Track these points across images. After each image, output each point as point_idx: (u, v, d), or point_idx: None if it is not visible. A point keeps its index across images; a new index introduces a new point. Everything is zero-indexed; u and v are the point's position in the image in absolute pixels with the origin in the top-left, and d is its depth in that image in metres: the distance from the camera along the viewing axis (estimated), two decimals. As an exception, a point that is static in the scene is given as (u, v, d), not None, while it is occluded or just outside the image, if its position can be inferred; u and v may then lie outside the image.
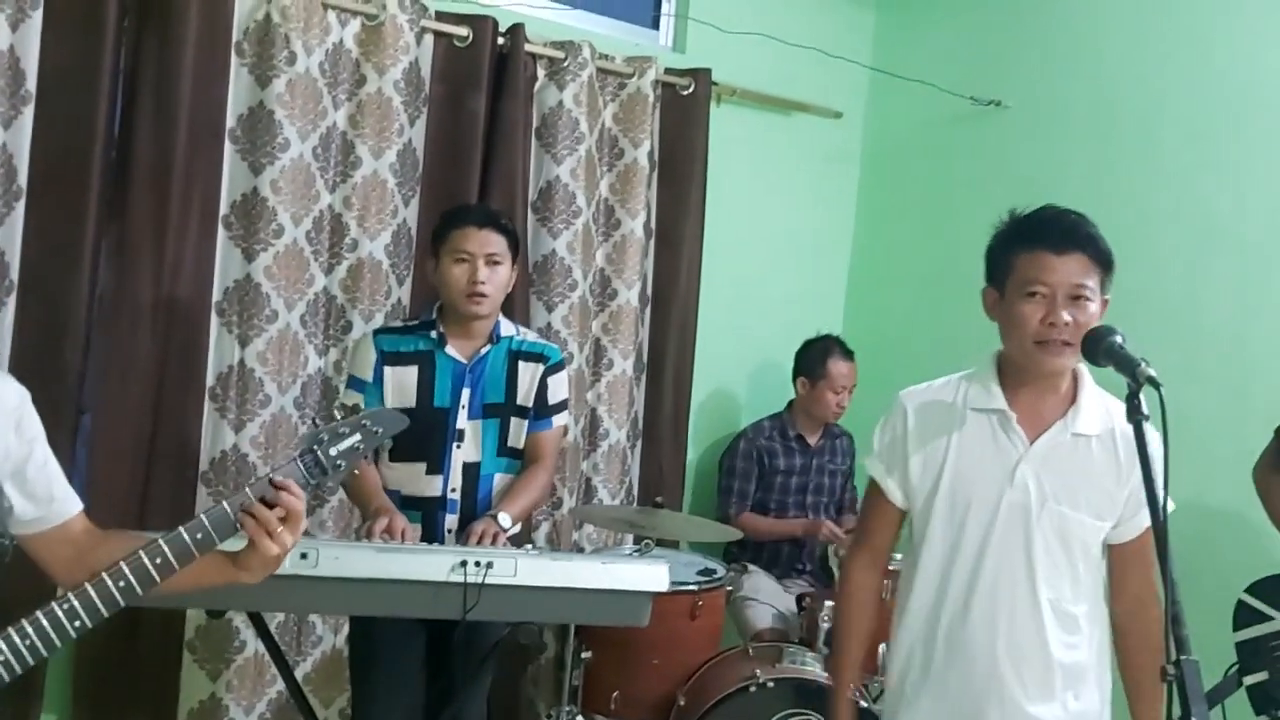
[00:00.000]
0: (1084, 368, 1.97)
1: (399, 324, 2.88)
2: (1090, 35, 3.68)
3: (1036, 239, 1.92)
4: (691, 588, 3.21)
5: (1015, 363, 1.97)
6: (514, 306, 3.34)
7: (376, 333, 2.75)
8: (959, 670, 1.99)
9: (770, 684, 2.94)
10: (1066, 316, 1.86)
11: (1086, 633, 1.99)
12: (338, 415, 1.70)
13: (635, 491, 3.80)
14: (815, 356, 3.82)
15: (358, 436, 1.69)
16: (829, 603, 3.14)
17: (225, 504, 1.60)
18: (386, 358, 2.67)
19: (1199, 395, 3.29)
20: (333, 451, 1.66)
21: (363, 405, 2.64)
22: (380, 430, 1.72)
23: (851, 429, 4.04)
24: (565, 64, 3.46)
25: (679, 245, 3.80)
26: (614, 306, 3.68)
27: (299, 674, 3.22)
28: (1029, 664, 1.96)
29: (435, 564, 2.19)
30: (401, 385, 2.67)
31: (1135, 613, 1.98)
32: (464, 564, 2.18)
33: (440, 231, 2.69)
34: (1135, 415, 1.59)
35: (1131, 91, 3.54)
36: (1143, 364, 1.61)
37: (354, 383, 2.70)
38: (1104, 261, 1.91)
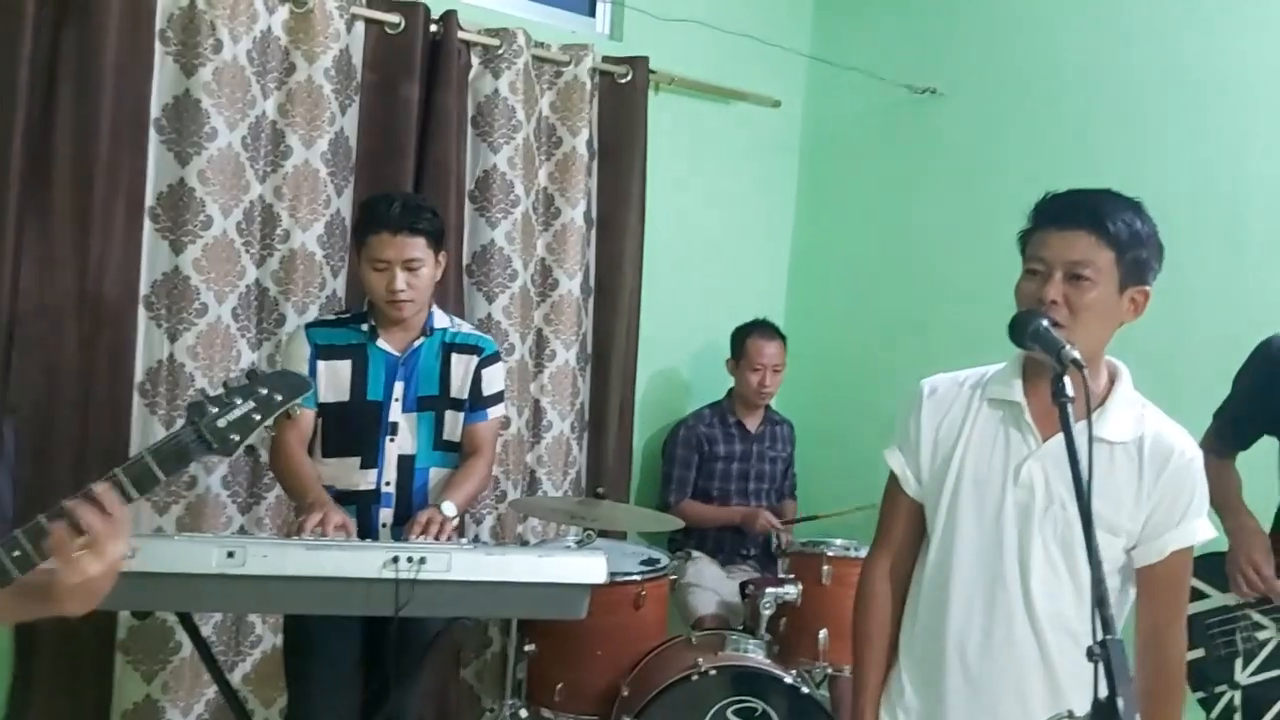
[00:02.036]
0: (1125, 370, 1.90)
1: (331, 317, 2.83)
2: (1023, 22, 3.71)
3: (1046, 214, 1.81)
4: (635, 578, 3.20)
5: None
6: (449, 298, 3.31)
7: (309, 326, 2.71)
8: (953, 682, 1.88)
9: (712, 672, 2.94)
10: (1054, 294, 1.74)
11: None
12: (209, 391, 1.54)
13: (583, 482, 3.78)
14: (738, 337, 3.86)
15: (251, 404, 1.51)
16: (770, 589, 3.15)
17: (41, 518, 1.40)
18: (320, 351, 2.64)
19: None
20: (221, 423, 1.49)
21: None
22: (280, 397, 1.54)
23: (791, 415, 4.06)
24: (500, 51, 3.42)
25: (620, 234, 3.78)
26: (555, 296, 3.65)
27: (237, 674, 3.18)
28: (1029, 681, 1.84)
29: (367, 560, 2.15)
30: (335, 379, 2.64)
31: (1147, 646, 1.83)
32: (396, 560, 2.14)
33: (358, 231, 2.64)
34: (1060, 398, 1.57)
35: (1064, 78, 3.58)
36: (1067, 347, 1.61)
37: None
38: (1115, 243, 1.74)
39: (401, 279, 2.55)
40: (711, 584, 3.59)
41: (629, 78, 3.73)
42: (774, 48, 4.06)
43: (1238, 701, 2.39)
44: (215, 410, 1.51)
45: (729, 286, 4.20)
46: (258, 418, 1.53)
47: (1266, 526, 2.45)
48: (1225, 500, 2.48)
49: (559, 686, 3.17)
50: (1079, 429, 1.55)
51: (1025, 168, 3.61)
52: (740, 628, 3.34)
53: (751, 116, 4.23)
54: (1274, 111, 3.12)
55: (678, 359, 4.18)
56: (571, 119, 3.61)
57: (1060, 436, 1.73)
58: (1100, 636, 1.38)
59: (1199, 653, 2.45)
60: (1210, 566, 2.46)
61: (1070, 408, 1.57)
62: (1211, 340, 3.18)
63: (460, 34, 3.36)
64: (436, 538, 2.45)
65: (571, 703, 3.18)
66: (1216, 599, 2.45)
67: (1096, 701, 1.37)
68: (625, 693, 3.09)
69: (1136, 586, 1.86)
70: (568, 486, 3.72)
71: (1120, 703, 1.34)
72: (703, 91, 4.05)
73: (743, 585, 3.52)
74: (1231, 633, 2.41)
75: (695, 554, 3.76)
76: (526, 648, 3.14)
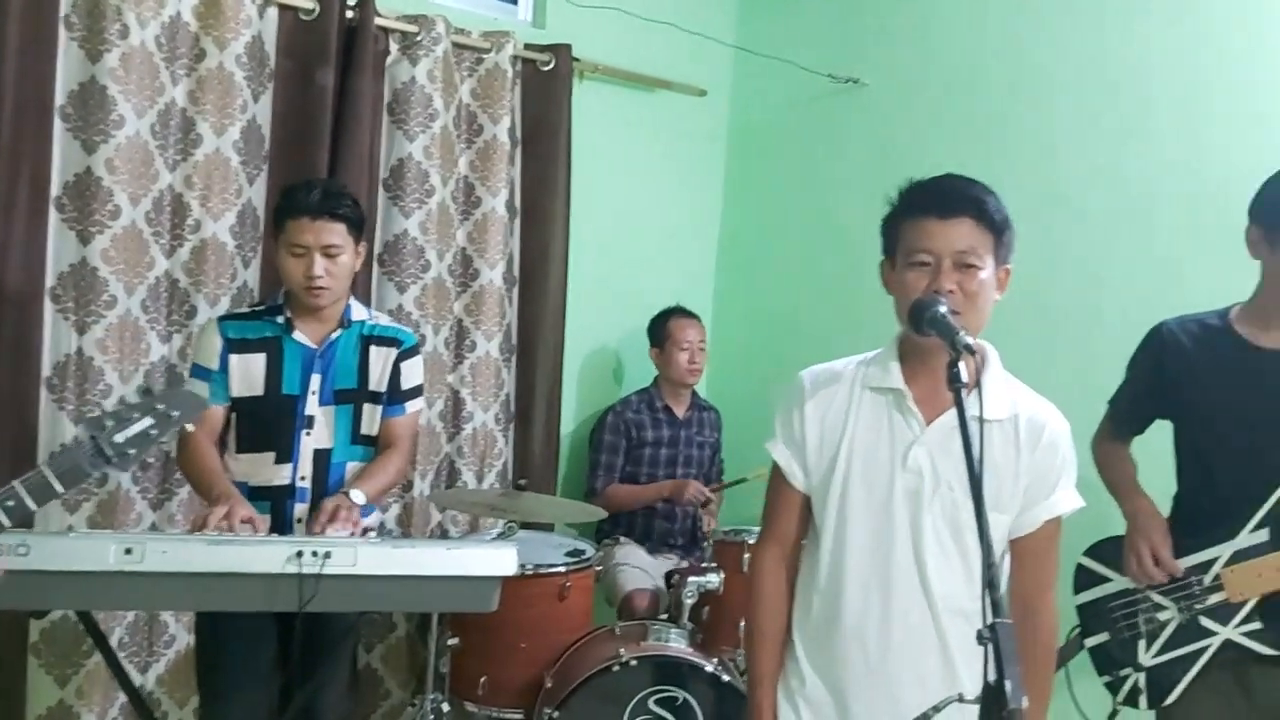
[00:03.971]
0: (993, 351, 1.92)
1: (245, 309, 2.78)
2: (944, 14, 3.74)
3: (923, 205, 1.83)
4: (560, 569, 3.19)
5: (910, 339, 1.86)
6: (359, 288, 3.26)
7: (222, 319, 2.65)
8: (853, 670, 1.88)
9: (633, 662, 2.93)
10: (950, 284, 1.77)
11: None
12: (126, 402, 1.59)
13: (509, 474, 3.74)
14: (657, 324, 3.88)
15: (149, 420, 1.57)
16: (692, 578, 3.15)
17: None
18: (232, 345, 2.59)
19: (1050, 365, 3.38)
20: (119, 438, 1.54)
21: (208, 395, 2.56)
22: (178, 414, 1.60)
23: (719, 403, 4.07)
24: (419, 38, 3.37)
25: (545, 224, 3.75)
26: (477, 286, 3.61)
27: (151, 675, 3.12)
28: (928, 664, 1.85)
29: (270, 555, 2.10)
30: (248, 373, 2.59)
31: (1020, 615, 1.75)
32: (300, 554, 2.10)
33: (278, 217, 2.58)
34: (955, 384, 1.58)
35: (983, 68, 3.62)
36: (961, 332, 1.62)
37: (199, 371, 2.61)
38: (994, 227, 1.80)
39: (320, 265, 2.51)
40: (640, 563, 3.59)
41: (552, 65, 3.70)
42: (699, 37, 4.05)
43: (1142, 683, 2.39)
44: (113, 424, 1.57)
45: (657, 275, 4.19)
46: (155, 433, 1.60)
47: (1165, 510, 2.45)
48: (1121, 484, 2.50)
49: (482, 680, 3.15)
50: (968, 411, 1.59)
51: (945, 158, 3.56)
52: (665, 616, 3.34)
53: (677, 105, 4.21)
54: (1182, 104, 3.17)
55: (606, 348, 4.17)
56: (493, 107, 3.57)
57: (942, 420, 1.83)
58: (990, 620, 1.39)
59: (1103, 637, 2.46)
60: (1112, 551, 2.46)
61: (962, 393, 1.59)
62: (1122, 326, 3.21)
63: (377, 20, 3.31)
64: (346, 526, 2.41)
65: (495, 696, 3.17)
66: (1118, 583, 2.46)
67: (986, 685, 1.38)
68: (548, 685, 3.08)
69: (1010, 558, 1.90)
70: (493, 479, 3.68)
71: (1008, 686, 1.35)
72: (628, 80, 4.03)
73: (668, 575, 3.52)
74: (1134, 615, 2.41)
75: (623, 540, 3.75)
76: (450, 641, 3.11)
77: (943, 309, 1.72)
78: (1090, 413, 3.28)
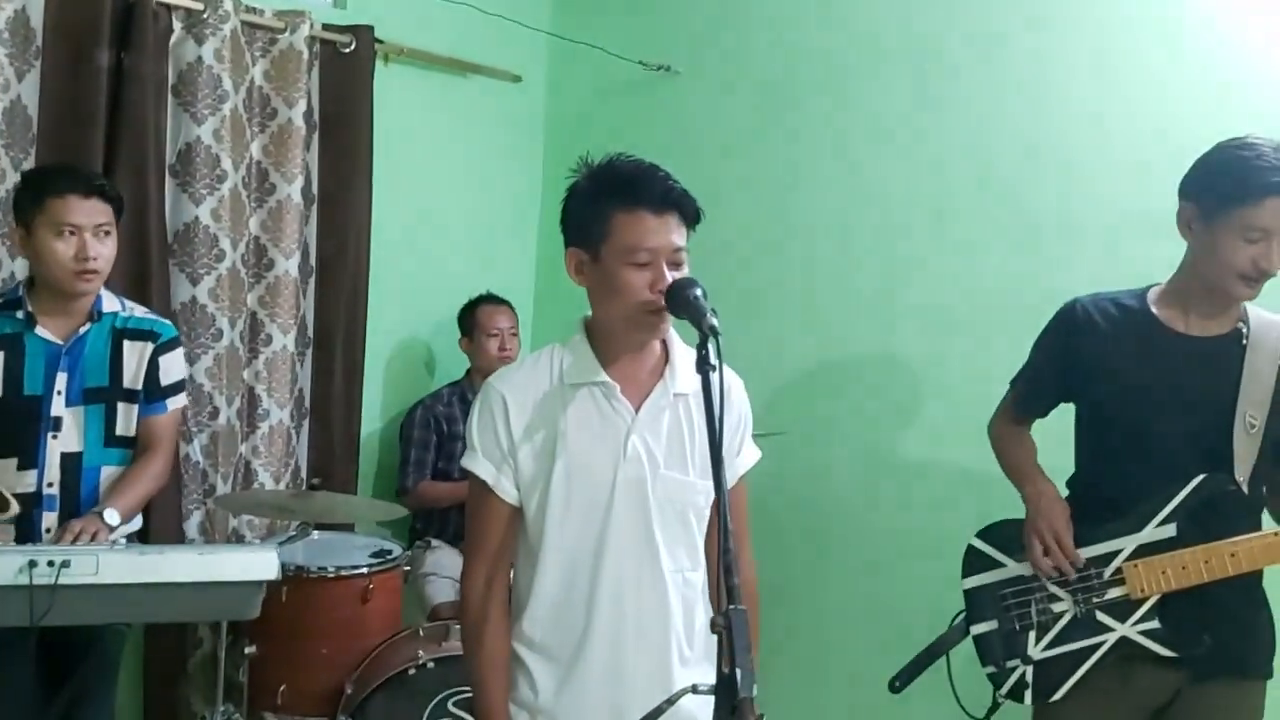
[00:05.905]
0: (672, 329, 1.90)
1: None
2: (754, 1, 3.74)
3: (635, 199, 1.76)
4: (362, 570, 3.08)
5: (613, 331, 1.84)
6: (151, 280, 3.09)
7: None
8: (589, 661, 1.85)
9: (431, 665, 2.86)
10: (664, 283, 1.75)
11: (705, 598, 1.93)
12: None
13: (303, 473, 3.59)
14: (466, 313, 3.81)
15: None
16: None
17: None
18: None
19: (851, 348, 3.45)
20: None
21: None
22: None
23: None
24: (204, 16, 3.18)
25: (345, 212, 3.59)
26: (271, 277, 3.43)
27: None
28: (654, 641, 1.86)
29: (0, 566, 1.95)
30: None
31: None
32: (33, 564, 1.94)
33: (35, 199, 2.41)
34: (703, 366, 1.57)
35: (789, 56, 3.64)
36: (708, 314, 1.61)
37: None
38: (694, 220, 1.80)
39: (94, 246, 2.39)
40: (450, 572, 3.49)
41: (352, 47, 3.55)
42: (513, 22, 3.96)
43: (1029, 677, 2.26)
44: None
45: (473, 265, 4.08)
46: None
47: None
48: (1021, 467, 2.39)
49: (281, 689, 3.02)
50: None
51: (749, 147, 3.69)
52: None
53: (492, 91, 4.11)
54: (975, 93, 3.25)
55: (417, 340, 4.05)
56: (287, 90, 3.40)
57: (648, 403, 1.85)
58: (725, 606, 1.37)
59: (991, 625, 2.33)
60: (1007, 535, 2.35)
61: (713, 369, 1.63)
62: (918, 310, 3.35)
63: (158, -5, 3.13)
64: None
65: (296, 704, 3.04)
66: (1012, 568, 2.32)
67: (720, 675, 1.35)
68: (349, 691, 2.98)
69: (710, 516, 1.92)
70: (289, 479, 3.53)
71: (739, 674, 1.32)
72: (437, 64, 3.91)
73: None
74: (1027, 604, 2.28)
75: (435, 542, 3.65)
76: (246, 650, 2.96)
77: (699, 291, 1.70)
78: (893, 394, 3.37)
